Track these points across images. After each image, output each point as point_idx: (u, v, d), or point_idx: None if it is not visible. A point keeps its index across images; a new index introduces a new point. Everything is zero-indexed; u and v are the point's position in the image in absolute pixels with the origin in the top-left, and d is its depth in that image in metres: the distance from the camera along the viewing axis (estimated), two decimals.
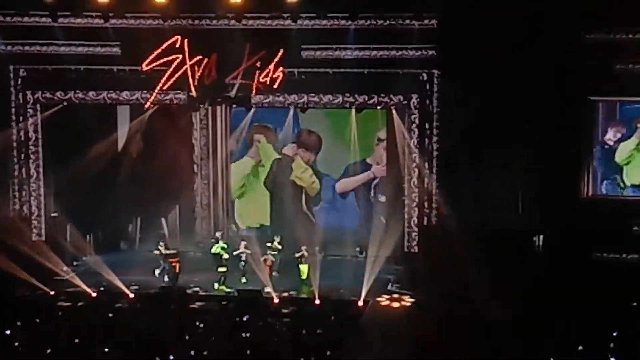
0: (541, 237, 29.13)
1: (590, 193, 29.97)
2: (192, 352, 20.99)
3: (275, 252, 29.66)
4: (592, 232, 28.52)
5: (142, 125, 32.45)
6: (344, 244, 32.49)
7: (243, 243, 29.62)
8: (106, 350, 21.26)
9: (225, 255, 28.97)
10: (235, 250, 29.41)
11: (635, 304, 24.85)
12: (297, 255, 29.24)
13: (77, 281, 28.10)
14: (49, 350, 21.21)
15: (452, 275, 25.70)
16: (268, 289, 27.59)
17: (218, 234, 30.72)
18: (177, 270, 29.24)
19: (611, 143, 29.94)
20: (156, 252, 29.50)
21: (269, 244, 29.76)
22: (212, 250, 29.24)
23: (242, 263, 29.26)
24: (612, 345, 21.17)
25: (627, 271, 27.80)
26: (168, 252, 29.52)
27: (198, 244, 32.42)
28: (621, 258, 28.96)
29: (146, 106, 30.20)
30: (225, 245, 29.29)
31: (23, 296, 26.99)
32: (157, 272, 29.22)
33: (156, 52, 28.48)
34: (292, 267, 29.45)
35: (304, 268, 29.02)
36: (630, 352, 20.73)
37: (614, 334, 21.86)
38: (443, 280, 26.11)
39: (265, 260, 29.16)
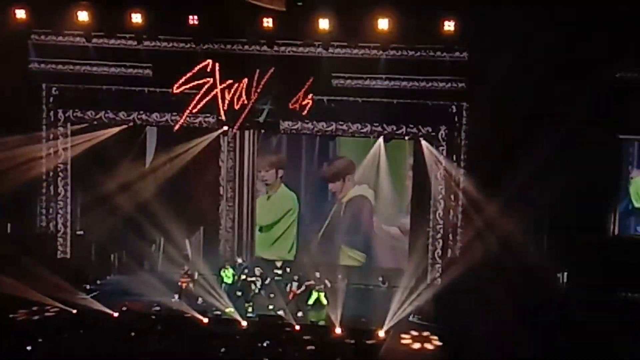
0: (565, 274, 28.95)
1: (617, 231, 29.81)
2: None
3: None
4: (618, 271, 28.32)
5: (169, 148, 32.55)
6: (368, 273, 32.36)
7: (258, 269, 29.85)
8: None
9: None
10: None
11: None
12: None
13: (100, 300, 28.14)
14: None
15: (474, 309, 25.53)
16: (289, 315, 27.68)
17: (239, 260, 30.90)
18: (184, 288, 29.47)
19: None
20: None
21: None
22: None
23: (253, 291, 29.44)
24: None
25: None
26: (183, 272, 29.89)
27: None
28: None
29: (175, 128, 30.35)
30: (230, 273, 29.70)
31: (45, 313, 27.06)
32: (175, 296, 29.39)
33: (187, 75, 28.70)
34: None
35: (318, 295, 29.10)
36: None
37: None
38: (464, 314, 25.95)
39: (290, 287, 29.14)
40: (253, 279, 29.75)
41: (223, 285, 29.71)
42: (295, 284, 29.01)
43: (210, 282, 29.79)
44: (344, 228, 32.95)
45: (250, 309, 28.36)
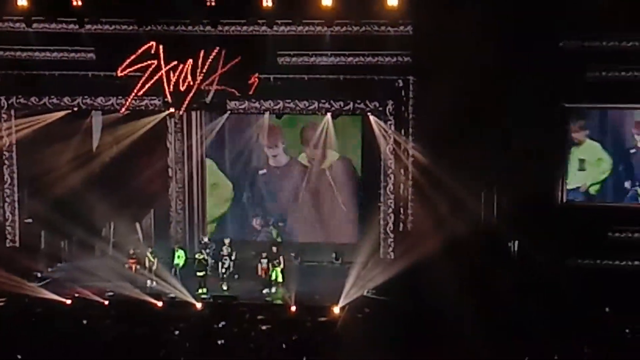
0: (516, 242, 29.25)
1: (564, 199, 30.16)
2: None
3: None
4: (567, 238, 28.66)
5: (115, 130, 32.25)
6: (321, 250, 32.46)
7: (226, 244, 29.91)
8: (80, 357, 21.18)
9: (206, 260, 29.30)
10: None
11: (607, 309, 24.97)
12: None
13: (52, 288, 27.88)
14: (19, 357, 21.10)
15: (427, 281, 25.69)
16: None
17: (205, 238, 30.88)
18: (133, 271, 29.55)
19: None
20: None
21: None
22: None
23: (224, 270, 29.40)
24: (585, 350, 21.32)
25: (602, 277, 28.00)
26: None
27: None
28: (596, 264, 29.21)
29: (121, 112, 30.11)
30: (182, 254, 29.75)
31: None
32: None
33: (131, 58, 28.40)
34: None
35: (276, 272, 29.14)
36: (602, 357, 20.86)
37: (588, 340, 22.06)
38: (418, 286, 26.11)
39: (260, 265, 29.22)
40: (223, 257, 29.68)
41: (175, 266, 29.58)
42: (264, 262, 29.05)
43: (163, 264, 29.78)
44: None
45: (203, 291, 28.31)
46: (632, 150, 30.03)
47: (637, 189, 30.10)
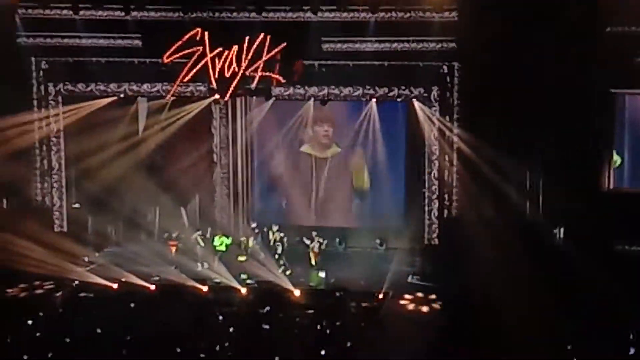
0: (562, 229, 29.07)
1: (612, 185, 29.92)
2: (213, 344, 21.08)
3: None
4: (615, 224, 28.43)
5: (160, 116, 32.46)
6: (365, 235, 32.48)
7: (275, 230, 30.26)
8: (127, 341, 21.39)
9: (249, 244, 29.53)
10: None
11: None
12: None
13: (99, 273, 28.18)
14: (68, 340, 21.37)
15: (472, 268, 25.65)
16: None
17: (253, 225, 31.08)
18: (173, 254, 29.89)
19: None
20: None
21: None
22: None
23: (277, 255, 29.68)
24: (631, 337, 21.17)
25: None
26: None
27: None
28: None
29: (167, 98, 30.35)
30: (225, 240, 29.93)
31: (45, 288, 27.12)
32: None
33: (177, 44, 28.57)
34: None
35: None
36: None
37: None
38: (463, 273, 26.06)
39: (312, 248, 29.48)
40: (275, 242, 29.98)
41: (218, 253, 29.82)
42: (316, 245, 29.23)
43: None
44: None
45: (246, 276, 28.47)
46: None
47: None
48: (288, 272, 28.87)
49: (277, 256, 29.58)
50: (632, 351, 20.41)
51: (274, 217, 32.49)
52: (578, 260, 26.59)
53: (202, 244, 30.12)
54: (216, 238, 30.15)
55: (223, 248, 29.92)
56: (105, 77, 30.43)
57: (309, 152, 33.25)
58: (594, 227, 27.87)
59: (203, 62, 28.66)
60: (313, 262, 29.33)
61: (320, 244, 29.62)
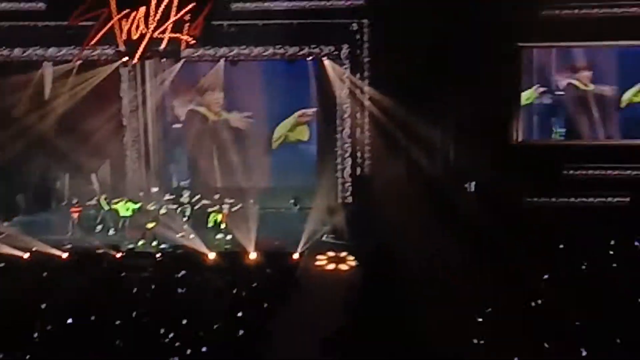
0: (473, 183, 29.44)
1: (520, 138, 30.40)
2: (129, 310, 20.93)
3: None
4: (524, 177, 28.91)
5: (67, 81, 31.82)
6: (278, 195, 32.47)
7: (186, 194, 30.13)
8: (41, 310, 21.09)
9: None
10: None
11: (562, 246, 25.28)
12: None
13: (9, 242, 27.66)
14: None
15: (386, 225, 25.84)
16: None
17: (154, 189, 30.75)
18: (76, 219, 29.54)
19: None
20: None
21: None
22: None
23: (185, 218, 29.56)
24: (543, 287, 21.61)
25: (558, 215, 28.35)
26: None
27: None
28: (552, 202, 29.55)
29: (74, 62, 29.77)
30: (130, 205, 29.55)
31: None
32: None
33: (83, 7, 27.92)
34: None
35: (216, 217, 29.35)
36: (559, 293, 21.13)
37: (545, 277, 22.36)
38: (377, 230, 26.26)
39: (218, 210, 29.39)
40: (183, 206, 29.93)
41: (121, 218, 29.48)
42: (226, 207, 29.22)
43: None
44: None
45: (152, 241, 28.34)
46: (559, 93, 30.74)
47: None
48: (191, 236, 28.61)
49: (184, 219, 29.43)
50: (539, 302, 20.76)
51: (183, 180, 32.58)
52: (489, 214, 27.01)
53: (105, 207, 29.72)
54: (121, 203, 29.69)
55: (129, 213, 29.53)
56: (8, 42, 29.59)
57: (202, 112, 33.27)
58: (504, 181, 28.30)
59: (110, 24, 28.09)
60: (219, 223, 29.23)
61: (231, 205, 29.49)
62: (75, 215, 29.61)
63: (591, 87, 30.43)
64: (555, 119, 30.99)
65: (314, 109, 32.27)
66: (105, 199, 29.97)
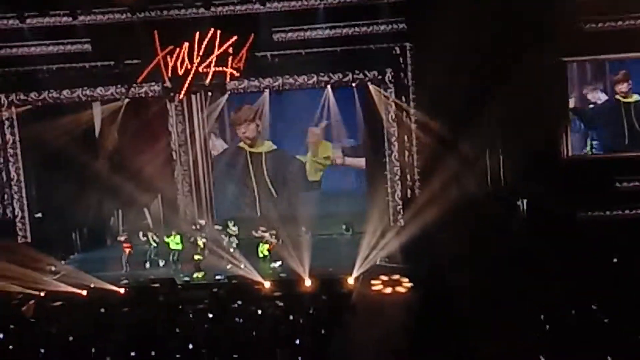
0: (525, 201, 29.29)
1: (569, 154, 30.21)
2: (187, 342, 21.04)
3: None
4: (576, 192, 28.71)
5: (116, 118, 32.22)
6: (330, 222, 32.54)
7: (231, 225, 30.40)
8: (101, 347, 21.27)
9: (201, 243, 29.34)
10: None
11: (615, 260, 25.05)
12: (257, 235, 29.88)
13: (67, 280, 27.97)
14: (42, 350, 21.21)
15: (440, 246, 25.79)
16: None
17: (202, 222, 30.96)
18: (127, 254, 29.69)
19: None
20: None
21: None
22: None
23: (232, 249, 29.70)
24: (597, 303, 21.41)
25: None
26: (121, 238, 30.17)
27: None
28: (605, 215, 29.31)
29: (122, 100, 30.23)
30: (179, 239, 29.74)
31: (14, 300, 26.85)
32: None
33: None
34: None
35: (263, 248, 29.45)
36: (614, 308, 20.90)
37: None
38: (432, 252, 26.19)
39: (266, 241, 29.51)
40: (229, 238, 30.11)
41: (172, 252, 29.69)
42: (269, 236, 29.44)
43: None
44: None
45: (199, 275, 28.48)
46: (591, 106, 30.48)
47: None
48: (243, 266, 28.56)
49: (232, 250, 29.62)
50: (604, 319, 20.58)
51: (230, 212, 32.87)
52: (542, 232, 26.84)
53: (153, 243, 29.99)
54: (170, 237, 29.89)
55: (179, 247, 29.77)
56: (57, 83, 30.09)
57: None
58: (555, 197, 28.12)
59: (155, 61, 28.48)
60: (266, 254, 29.38)
61: (275, 234, 29.67)
62: (127, 251, 29.87)
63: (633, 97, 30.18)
64: (591, 132, 30.73)
65: (324, 123, 32.46)
66: (156, 234, 30.19)
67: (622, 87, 30.13)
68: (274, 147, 33.44)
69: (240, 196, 33.93)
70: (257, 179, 33.61)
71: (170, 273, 28.76)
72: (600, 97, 30.31)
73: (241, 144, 33.59)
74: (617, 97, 30.20)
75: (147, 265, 29.59)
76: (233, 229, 30.60)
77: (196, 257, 28.97)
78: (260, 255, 29.42)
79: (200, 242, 29.48)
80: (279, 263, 28.76)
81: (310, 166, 33.55)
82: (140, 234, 30.42)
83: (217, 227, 31.16)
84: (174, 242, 29.73)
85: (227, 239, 30.31)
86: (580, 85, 30.40)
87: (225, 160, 33.85)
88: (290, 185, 33.59)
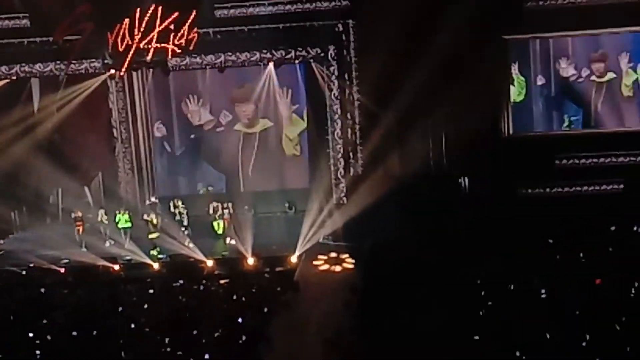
0: (466, 179, 29.48)
1: (511, 131, 30.45)
2: (129, 321, 20.91)
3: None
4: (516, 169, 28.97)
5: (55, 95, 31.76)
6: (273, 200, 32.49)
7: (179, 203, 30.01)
8: (41, 326, 21.06)
9: (155, 221, 28.96)
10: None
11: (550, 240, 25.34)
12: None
13: (5, 260, 27.62)
14: None
15: (382, 224, 25.85)
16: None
17: (152, 199, 30.77)
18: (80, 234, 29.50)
19: None
20: None
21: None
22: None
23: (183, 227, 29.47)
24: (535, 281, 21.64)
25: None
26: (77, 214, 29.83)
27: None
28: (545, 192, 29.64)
29: (61, 77, 29.77)
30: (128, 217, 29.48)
31: None
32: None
33: (67, 21, 27.89)
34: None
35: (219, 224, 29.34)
36: (554, 284, 21.15)
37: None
38: (374, 230, 26.26)
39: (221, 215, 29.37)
40: (181, 215, 29.84)
41: (123, 230, 29.44)
42: (226, 212, 29.24)
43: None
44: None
45: (157, 251, 28.26)
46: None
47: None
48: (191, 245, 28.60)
49: (183, 228, 29.44)
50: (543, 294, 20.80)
51: (175, 189, 32.67)
52: (484, 208, 27.06)
53: (106, 221, 29.70)
54: (119, 215, 29.61)
55: (128, 225, 29.51)
56: None
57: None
58: (497, 174, 28.35)
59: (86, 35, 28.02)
60: (221, 231, 29.24)
61: (229, 210, 29.52)
62: (80, 228, 29.54)
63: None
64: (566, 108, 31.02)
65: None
66: (104, 213, 29.92)
67: (599, 66, 30.37)
68: (270, 124, 33.00)
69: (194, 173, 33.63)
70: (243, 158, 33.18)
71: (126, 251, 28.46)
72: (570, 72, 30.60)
73: (238, 126, 33.06)
74: (593, 77, 30.44)
75: (107, 243, 29.18)
76: (182, 206, 30.25)
77: (151, 235, 28.72)
78: (218, 231, 29.27)
79: (155, 220, 29.18)
80: (233, 240, 28.66)
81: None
82: (102, 212, 29.96)
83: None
84: (124, 219, 29.42)
85: (178, 217, 29.98)
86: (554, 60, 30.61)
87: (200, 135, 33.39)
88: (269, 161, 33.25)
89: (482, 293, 20.94)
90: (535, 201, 29.13)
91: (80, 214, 29.93)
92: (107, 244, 29.08)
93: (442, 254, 23.69)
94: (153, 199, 31.21)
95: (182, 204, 30.22)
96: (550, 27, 29.35)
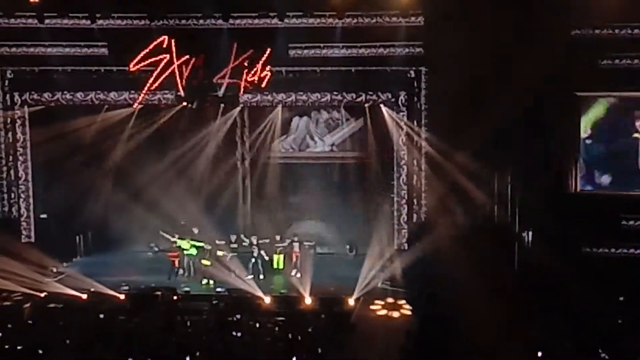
0: (530, 233, 29.20)
1: (578, 188, 30.11)
2: (183, 352, 20.96)
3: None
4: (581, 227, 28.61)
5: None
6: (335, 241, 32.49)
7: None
8: (98, 351, 21.22)
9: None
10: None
11: (622, 298, 24.94)
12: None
13: (68, 283, 27.94)
14: (40, 352, 21.16)
15: (442, 272, 25.71)
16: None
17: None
18: (175, 266, 29.67)
19: None
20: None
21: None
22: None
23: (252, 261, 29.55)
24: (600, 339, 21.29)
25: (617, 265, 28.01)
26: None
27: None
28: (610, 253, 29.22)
29: (134, 106, 30.20)
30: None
31: (14, 299, 26.82)
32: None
33: (143, 52, 28.45)
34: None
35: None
36: (618, 346, 20.79)
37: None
38: (433, 277, 26.12)
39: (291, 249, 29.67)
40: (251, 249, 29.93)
41: (186, 257, 29.63)
42: (296, 245, 29.54)
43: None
44: None
45: (209, 282, 28.49)
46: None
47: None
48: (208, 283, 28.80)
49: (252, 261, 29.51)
50: (602, 355, 20.44)
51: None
52: (546, 263, 26.73)
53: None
54: (184, 241, 29.75)
55: (194, 252, 29.64)
56: (71, 85, 30.15)
57: None
58: (561, 230, 28.03)
59: (170, 69, 28.54)
60: (281, 266, 29.44)
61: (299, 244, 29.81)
62: (175, 260, 29.86)
63: None
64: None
65: None
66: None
67: None
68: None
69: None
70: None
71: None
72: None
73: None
74: (636, 134, 30.10)
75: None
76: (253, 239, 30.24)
77: (204, 262, 28.86)
78: (278, 267, 29.48)
79: (208, 247, 29.39)
80: (299, 273, 28.87)
81: None
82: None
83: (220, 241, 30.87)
84: (189, 246, 29.61)
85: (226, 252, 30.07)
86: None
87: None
88: None
89: (539, 354, 20.67)
90: (599, 261, 28.67)
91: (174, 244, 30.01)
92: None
93: (501, 307, 23.50)
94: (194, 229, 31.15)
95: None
96: (624, 86, 29.02)
